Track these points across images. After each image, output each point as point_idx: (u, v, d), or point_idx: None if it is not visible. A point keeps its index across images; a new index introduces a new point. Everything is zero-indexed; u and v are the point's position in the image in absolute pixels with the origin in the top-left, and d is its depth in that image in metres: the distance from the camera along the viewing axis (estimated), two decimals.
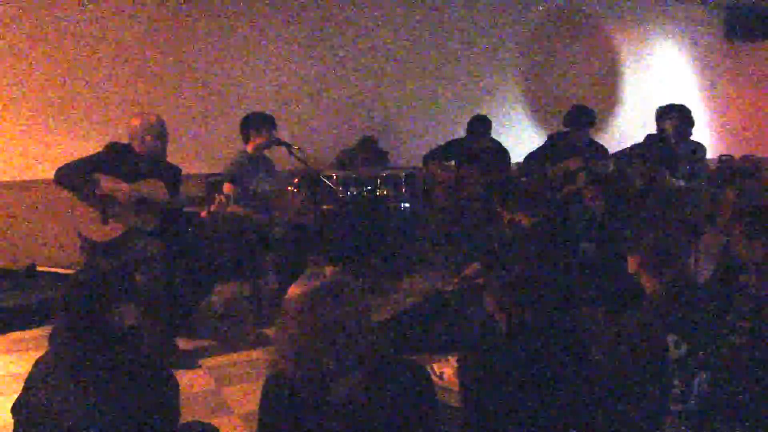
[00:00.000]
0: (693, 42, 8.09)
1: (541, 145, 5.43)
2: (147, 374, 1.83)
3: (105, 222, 3.57)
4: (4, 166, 4.79)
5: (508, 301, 2.21)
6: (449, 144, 5.51)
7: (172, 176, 3.86)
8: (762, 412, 2.33)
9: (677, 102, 4.75)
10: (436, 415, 1.74)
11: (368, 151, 5.59)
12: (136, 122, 3.72)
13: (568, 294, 3.48)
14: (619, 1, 7.54)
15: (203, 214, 3.74)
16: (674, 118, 4.59)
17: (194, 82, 5.41)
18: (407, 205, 5.40)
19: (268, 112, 4.47)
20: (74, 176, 3.52)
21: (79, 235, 3.60)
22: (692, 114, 4.65)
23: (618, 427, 2.18)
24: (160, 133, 3.75)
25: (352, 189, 5.11)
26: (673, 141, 4.60)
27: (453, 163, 5.43)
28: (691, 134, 4.67)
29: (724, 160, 7.84)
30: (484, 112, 5.56)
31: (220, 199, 3.67)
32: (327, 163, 5.69)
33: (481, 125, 5.36)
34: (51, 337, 1.86)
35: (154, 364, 1.90)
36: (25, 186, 4.82)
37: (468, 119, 5.64)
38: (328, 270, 1.71)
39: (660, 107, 4.71)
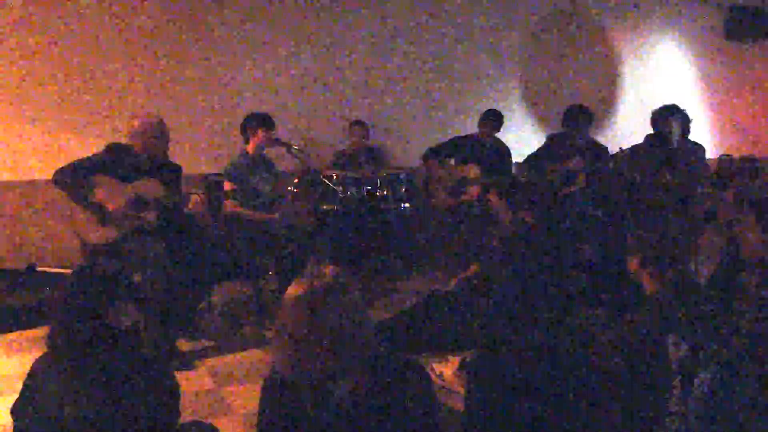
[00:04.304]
0: (693, 42, 8.09)
1: (541, 145, 5.43)
2: (147, 374, 1.83)
3: (104, 224, 3.57)
4: (4, 166, 4.79)
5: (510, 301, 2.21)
6: (451, 141, 5.50)
7: (173, 175, 3.86)
8: (762, 412, 2.32)
9: (676, 102, 4.75)
10: (436, 415, 1.74)
11: (359, 135, 5.60)
12: (136, 123, 3.72)
13: (568, 294, 3.48)
14: (619, 1, 7.53)
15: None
16: (672, 118, 4.59)
17: (194, 83, 5.40)
18: (407, 205, 5.40)
19: (266, 112, 4.48)
20: (71, 179, 3.52)
21: (79, 236, 3.60)
22: (689, 113, 4.66)
23: (618, 428, 2.18)
24: (160, 133, 3.75)
25: (352, 189, 5.11)
26: (671, 141, 4.60)
27: (452, 161, 5.40)
28: (689, 134, 4.67)
29: (724, 160, 7.84)
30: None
31: (195, 199, 3.67)
32: (327, 163, 5.69)
33: (494, 120, 5.36)
34: (50, 337, 1.86)
35: (154, 364, 1.90)
36: (25, 186, 4.82)
37: (468, 118, 5.64)
38: (328, 270, 1.69)
39: (657, 108, 4.72)
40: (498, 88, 6.84)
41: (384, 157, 5.88)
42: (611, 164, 4.94)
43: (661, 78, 7.85)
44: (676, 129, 4.58)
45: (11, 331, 3.99)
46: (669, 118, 4.60)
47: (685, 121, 4.62)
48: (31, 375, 1.86)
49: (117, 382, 1.76)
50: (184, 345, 3.69)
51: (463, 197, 5.25)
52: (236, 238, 4.18)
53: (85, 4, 4.98)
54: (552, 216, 4.81)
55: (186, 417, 2.02)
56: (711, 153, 6.77)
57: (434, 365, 3.30)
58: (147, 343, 3.30)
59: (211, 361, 3.58)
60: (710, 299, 2.54)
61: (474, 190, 5.18)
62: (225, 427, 2.74)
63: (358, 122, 5.67)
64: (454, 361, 3.30)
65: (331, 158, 5.69)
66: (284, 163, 4.83)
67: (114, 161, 3.66)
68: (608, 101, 7.53)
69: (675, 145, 4.61)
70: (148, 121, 3.73)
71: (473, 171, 5.21)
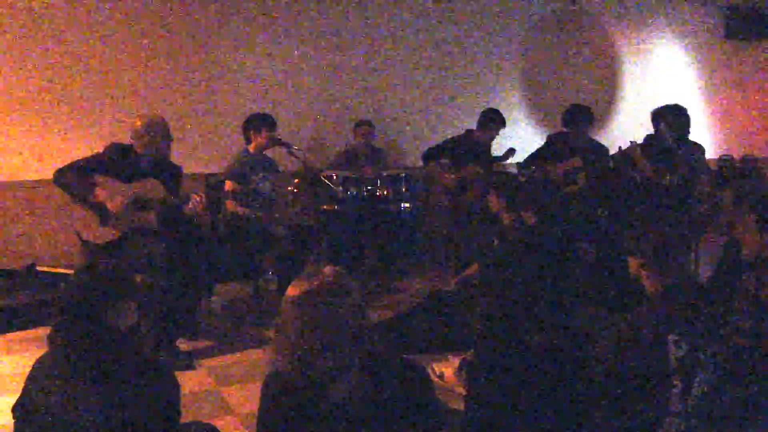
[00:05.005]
0: (693, 42, 8.09)
1: (541, 145, 5.43)
2: (147, 374, 1.83)
3: (104, 224, 3.57)
4: (4, 166, 4.79)
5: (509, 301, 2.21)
6: (448, 142, 5.49)
7: (173, 175, 3.87)
8: (762, 412, 2.32)
9: (676, 102, 4.74)
10: (436, 415, 1.74)
11: (365, 135, 5.58)
12: (139, 123, 3.72)
13: (568, 294, 3.48)
14: (619, 1, 7.54)
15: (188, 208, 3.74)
16: (670, 118, 4.59)
17: (194, 83, 5.40)
18: (407, 205, 5.40)
19: (267, 113, 4.48)
20: (72, 179, 3.52)
21: (79, 237, 3.60)
22: (688, 113, 4.65)
23: (618, 428, 2.18)
24: (163, 133, 3.75)
25: (352, 189, 5.11)
26: (670, 141, 4.61)
27: (447, 162, 5.37)
28: (688, 134, 4.67)
29: (724, 160, 7.84)
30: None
31: (195, 199, 3.67)
32: (327, 163, 5.69)
33: (492, 116, 5.33)
34: (51, 337, 1.86)
35: (154, 364, 1.90)
36: (25, 186, 4.82)
37: (468, 118, 5.62)
38: (328, 270, 1.69)
39: (655, 108, 4.72)
40: (498, 88, 6.85)
41: (385, 157, 5.88)
42: (612, 164, 4.93)
43: (661, 78, 7.86)
44: (665, 130, 4.58)
45: (11, 331, 3.99)
46: (667, 119, 4.61)
47: (683, 121, 4.62)
48: (31, 375, 1.86)
49: (117, 382, 1.76)
50: (184, 345, 3.69)
51: (464, 197, 5.24)
52: (236, 238, 4.18)
53: (84, 4, 4.97)
54: (552, 216, 4.81)
55: (186, 417, 2.02)
56: (711, 153, 6.77)
57: (434, 365, 3.30)
58: (147, 344, 3.32)
59: (211, 361, 3.58)
60: (710, 299, 2.54)
61: (474, 190, 5.17)
62: (225, 427, 2.75)
63: (365, 122, 5.64)
64: (454, 361, 3.30)
65: (334, 158, 5.68)
66: (285, 163, 4.83)
67: (114, 161, 3.66)
68: (608, 101, 7.54)
69: (673, 145, 4.61)
70: (151, 122, 3.73)
71: (473, 170, 5.21)
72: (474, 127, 5.46)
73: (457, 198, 5.26)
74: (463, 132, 5.50)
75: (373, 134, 5.67)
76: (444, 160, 5.33)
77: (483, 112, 5.40)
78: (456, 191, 5.26)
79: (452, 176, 5.27)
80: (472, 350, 3.25)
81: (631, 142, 4.65)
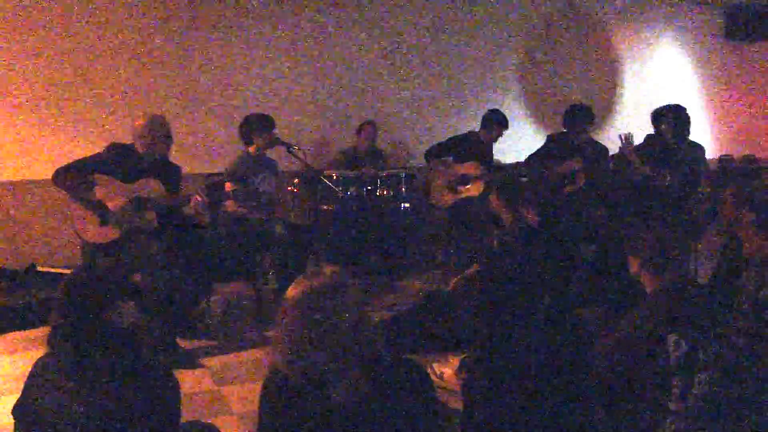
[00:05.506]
0: (693, 42, 8.09)
1: (541, 145, 5.43)
2: (147, 374, 1.83)
3: (104, 224, 3.57)
4: (4, 166, 4.79)
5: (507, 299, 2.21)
6: (449, 140, 5.49)
7: (173, 175, 3.87)
8: (762, 412, 2.32)
9: (676, 102, 4.75)
10: (436, 415, 1.74)
11: (369, 136, 5.56)
12: (140, 123, 3.72)
13: (568, 294, 3.48)
14: (619, 1, 7.54)
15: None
16: (670, 118, 4.59)
17: (194, 82, 5.40)
18: (407, 205, 5.39)
19: (266, 113, 4.48)
20: (72, 179, 3.52)
21: (79, 236, 3.60)
22: (688, 113, 4.66)
23: (618, 427, 2.18)
24: (164, 133, 3.76)
25: (352, 189, 5.10)
26: (671, 141, 4.61)
27: (450, 159, 5.39)
28: (689, 134, 4.67)
29: (724, 160, 7.85)
30: (484, 112, 5.54)
31: (195, 199, 3.67)
32: (327, 163, 5.69)
33: (496, 117, 5.34)
34: (50, 338, 1.86)
35: (154, 364, 1.90)
36: (25, 186, 4.82)
37: (468, 118, 5.61)
38: (328, 270, 1.70)
39: (656, 109, 4.72)
40: (498, 88, 6.85)
41: (385, 157, 5.88)
42: (612, 165, 4.94)
43: (661, 78, 7.86)
44: (674, 129, 4.58)
45: (11, 331, 3.99)
46: (667, 119, 4.61)
47: (684, 121, 4.62)
48: (32, 374, 1.86)
49: (117, 382, 1.76)
50: (184, 345, 3.69)
51: (464, 194, 5.24)
52: (236, 238, 4.18)
53: (84, 4, 4.97)
54: (552, 216, 4.81)
55: (186, 417, 2.02)
56: (711, 153, 6.77)
57: (434, 365, 3.30)
58: (147, 344, 3.32)
59: (211, 361, 3.58)
60: (710, 299, 2.55)
61: (475, 187, 5.18)
62: (225, 426, 2.74)
63: (369, 122, 5.63)
64: (454, 361, 3.30)
65: (336, 157, 5.67)
66: (285, 163, 4.83)
67: (115, 161, 3.66)
68: (608, 101, 7.54)
69: (674, 145, 4.61)
70: (153, 121, 3.73)
71: (474, 168, 5.21)
72: (474, 128, 5.47)
73: (457, 193, 5.26)
74: (464, 132, 5.50)
75: (376, 135, 5.67)
76: (447, 159, 5.34)
77: (487, 112, 5.41)
78: (456, 187, 5.27)
79: (452, 173, 5.28)
80: (472, 350, 3.25)
81: (630, 135, 4.63)
